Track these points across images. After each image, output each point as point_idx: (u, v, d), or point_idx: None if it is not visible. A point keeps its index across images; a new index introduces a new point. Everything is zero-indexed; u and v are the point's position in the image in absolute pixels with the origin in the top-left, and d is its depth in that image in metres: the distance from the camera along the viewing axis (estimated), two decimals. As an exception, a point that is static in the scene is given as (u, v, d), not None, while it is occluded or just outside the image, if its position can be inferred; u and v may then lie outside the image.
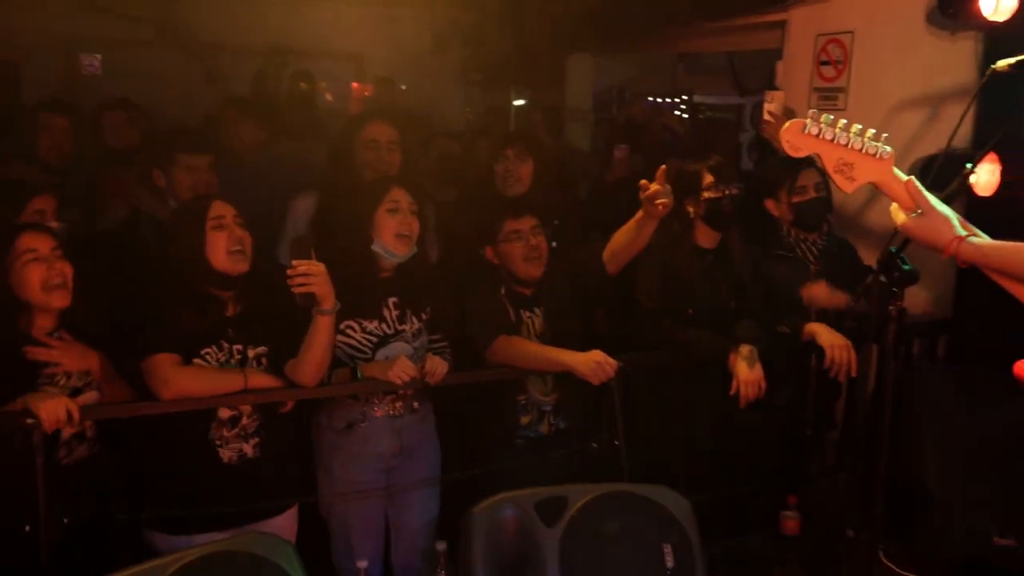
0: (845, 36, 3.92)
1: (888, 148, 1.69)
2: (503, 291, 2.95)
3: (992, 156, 2.98)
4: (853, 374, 3.03)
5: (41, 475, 2.16)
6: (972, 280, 3.34)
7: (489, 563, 2.11)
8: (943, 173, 3.15)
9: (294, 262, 2.29)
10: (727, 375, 2.90)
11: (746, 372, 2.84)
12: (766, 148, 4.10)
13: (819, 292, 3.10)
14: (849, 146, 1.66)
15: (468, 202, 3.81)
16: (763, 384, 2.86)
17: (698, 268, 3.06)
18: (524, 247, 2.87)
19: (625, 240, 2.87)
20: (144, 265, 2.69)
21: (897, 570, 2.87)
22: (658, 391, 3.06)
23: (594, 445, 2.81)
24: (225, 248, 2.37)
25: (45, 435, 2.15)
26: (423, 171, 4.26)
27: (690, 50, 6.15)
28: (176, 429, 2.39)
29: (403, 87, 6.97)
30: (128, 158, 3.80)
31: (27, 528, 2.17)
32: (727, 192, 2.99)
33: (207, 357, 2.40)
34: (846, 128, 1.67)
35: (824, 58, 4.05)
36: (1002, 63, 1.85)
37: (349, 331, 2.67)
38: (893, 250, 2.07)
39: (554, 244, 3.04)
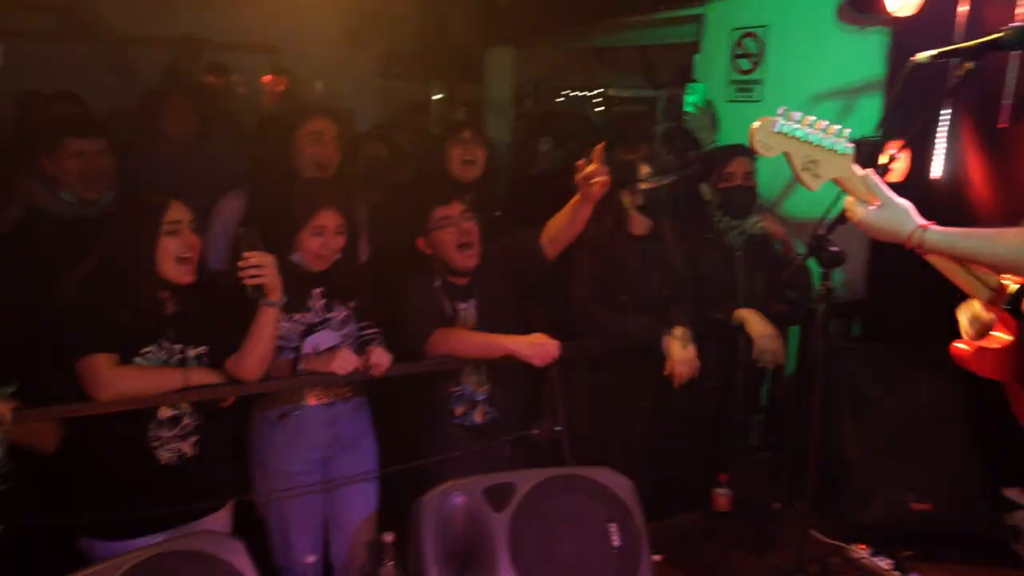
0: (760, 30, 4.06)
1: (850, 144, 1.74)
2: (438, 284, 2.95)
3: (899, 143, 3.16)
4: (780, 363, 3.16)
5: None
6: (884, 262, 3.57)
7: (440, 550, 2.13)
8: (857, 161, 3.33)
9: (245, 253, 2.25)
10: (661, 359, 2.99)
11: (680, 352, 2.93)
12: (686, 137, 4.21)
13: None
14: (815, 143, 1.71)
15: (408, 194, 3.77)
16: (696, 364, 2.96)
17: (631, 255, 3.14)
18: (456, 232, 2.86)
19: (562, 224, 2.90)
20: (45, 268, 2.44)
21: (822, 538, 3.01)
22: (594, 377, 3.13)
23: (535, 432, 2.84)
24: (175, 254, 2.31)
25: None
26: (352, 173, 4.20)
27: (609, 44, 6.25)
28: (110, 432, 2.31)
29: (319, 84, 6.87)
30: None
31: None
32: (664, 182, 3.07)
33: (147, 356, 2.34)
34: (813, 124, 1.71)
35: (740, 51, 4.19)
36: (923, 55, 1.95)
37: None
38: (821, 233, 2.18)
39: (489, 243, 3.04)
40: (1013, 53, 2.96)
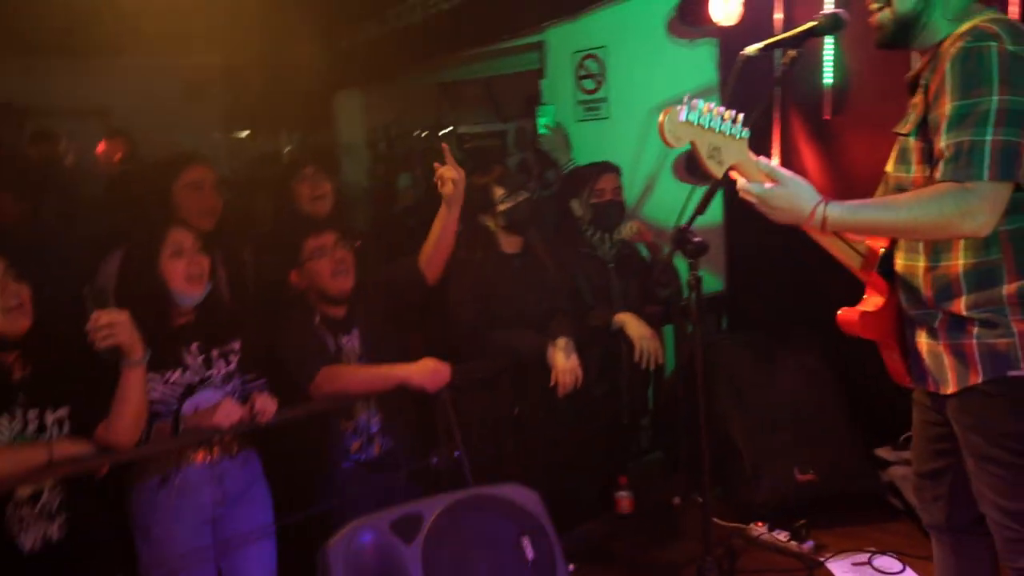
0: (599, 51, 4.25)
1: (746, 130, 1.77)
2: (317, 320, 2.87)
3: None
4: (660, 362, 3.28)
5: None
6: (739, 255, 3.78)
7: (354, 593, 2.05)
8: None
9: (93, 314, 2.09)
10: (546, 371, 3.02)
11: (563, 362, 2.97)
12: (544, 159, 4.34)
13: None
14: (717, 130, 1.74)
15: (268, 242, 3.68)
16: (580, 373, 3.01)
17: (505, 274, 3.18)
18: (330, 262, 2.80)
19: (434, 238, 2.93)
20: None
21: (722, 523, 3.13)
22: (482, 397, 3.12)
23: (435, 459, 2.79)
24: (0, 306, 2.12)
25: None
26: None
27: (455, 79, 6.35)
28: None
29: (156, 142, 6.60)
30: None
31: None
32: (519, 199, 3.14)
33: (-2, 431, 2.13)
34: (712, 111, 1.73)
35: (583, 72, 4.37)
36: (751, 48, 2.07)
37: (150, 384, 2.46)
38: (682, 227, 2.28)
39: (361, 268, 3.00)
40: (827, 49, 3.23)
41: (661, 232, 3.71)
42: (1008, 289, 1.76)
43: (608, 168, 3.51)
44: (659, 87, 3.99)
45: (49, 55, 6.00)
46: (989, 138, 1.62)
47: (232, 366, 2.62)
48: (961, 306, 1.80)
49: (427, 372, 2.72)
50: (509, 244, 3.20)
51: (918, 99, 1.83)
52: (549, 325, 3.08)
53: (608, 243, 3.50)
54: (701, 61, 3.78)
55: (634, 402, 3.59)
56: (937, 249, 1.83)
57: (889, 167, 1.97)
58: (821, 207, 1.75)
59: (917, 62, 1.92)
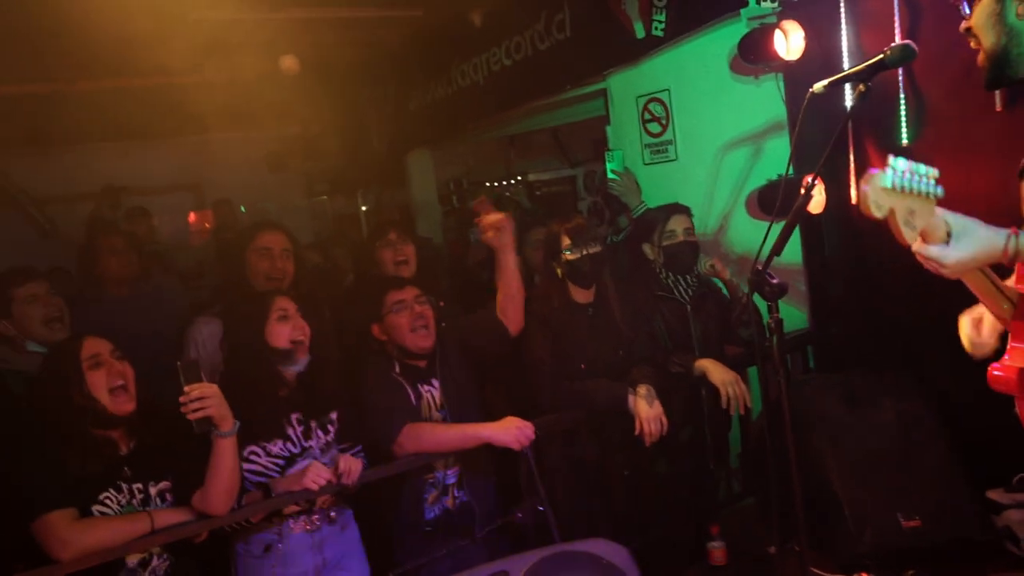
0: (663, 94, 4.26)
1: (940, 188, 1.58)
2: (397, 369, 2.91)
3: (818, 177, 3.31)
4: (748, 406, 3.18)
5: None
6: (825, 293, 3.67)
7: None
8: (781, 198, 3.47)
9: (186, 388, 2.19)
10: (630, 421, 2.98)
11: (646, 410, 2.93)
12: (615, 203, 4.34)
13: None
14: (917, 191, 1.55)
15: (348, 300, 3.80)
16: (664, 420, 2.96)
17: (579, 323, 3.17)
18: (410, 316, 2.86)
19: (501, 287, 2.98)
20: (15, 423, 2.46)
21: (822, 573, 2.98)
22: (567, 449, 3.09)
23: (519, 515, 2.78)
24: (107, 386, 2.26)
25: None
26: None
27: (521, 131, 6.44)
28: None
29: (242, 208, 6.91)
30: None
31: None
32: (584, 252, 3.13)
33: (107, 503, 2.24)
34: (912, 171, 1.55)
35: (648, 116, 4.37)
36: (818, 85, 2.04)
37: (253, 457, 2.55)
38: (759, 268, 2.24)
39: (443, 324, 3.04)
40: (902, 75, 3.15)
41: (743, 261, 3.64)
42: None
43: (677, 209, 3.49)
44: (726, 125, 3.96)
45: (142, 138, 6.39)
46: None
47: (331, 436, 2.69)
48: None
49: (511, 431, 2.73)
50: (579, 294, 3.20)
51: None
52: (630, 373, 3.05)
53: (684, 284, 3.45)
54: (767, 97, 3.73)
55: (718, 447, 3.49)
56: None
57: None
58: (1013, 239, 1.62)
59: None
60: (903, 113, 3.16)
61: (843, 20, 3.30)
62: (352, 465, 2.54)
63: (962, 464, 3.11)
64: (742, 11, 3.65)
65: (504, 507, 2.88)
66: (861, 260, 3.44)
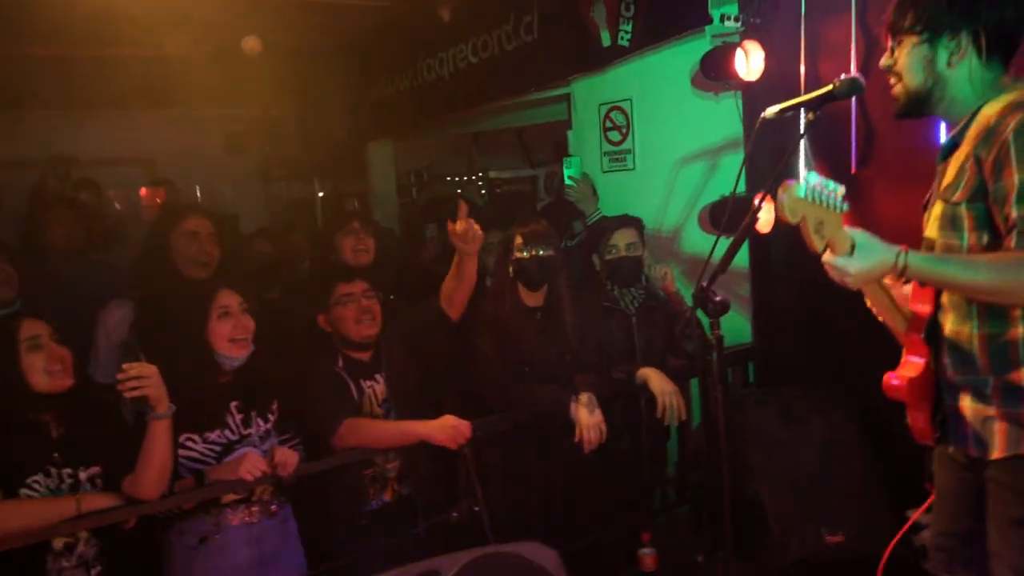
0: (625, 103, 4.30)
1: (847, 203, 1.75)
2: (340, 363, 2.91)
3: (767, 196, 3.38)
4: (684, 417, 3.24)
5: None
6: (769, 310, 3.75)
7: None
8: (728, 215, 3.53)
9: (124, 366, 2.16)
10: (570, 427, 3.01)
11: (587, 418, 2.97)
12: (570, 209, 4.37)
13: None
14: (826, 205, 1.72)
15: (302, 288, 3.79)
16: (604, 428, 3.00)
17: (527, 326, 3.19)
18: (356, 309, 2.87)
19: (454, 284, 3.00)
20: None
21: (749, 584, 3.05)
22: (506, 451, 3.12)
23: (454, 514, 2.79)
24: (44, 368, 2.21)
25: None
26: (243, 271, 4.15)
27: (485, 128, 6.45)
28: (6, 571, 2.14)
29: (197, 189, 6.81)
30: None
31: None
32: (534, 253, 3.16)
33: (35, 486, 2.19)
34: (823, 186, 1.71)
35: (609, 124, 4.41)
36: (770, 111, 2.09)
37: (189, 443, 2.51)
38: (703, 285, 2.28)
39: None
40: (855, 105, 3.24)
41: (693, 271, 3.69)
42: None
43: (624, 223, 3.52)
44: (684, 139, 4.02)
45: (96, 108, 6.25)
46: None
47: (270, 425, 2.67)
48: (1021, 375, 1.79)
49: (447, 429, 2.74)
50: (529, 297, 3.22)
51: (967, 166, 1.82)
52: (572, 380, 3.08)
53: (630, 296, 3.50)
54: (726, 114, 3.79)
55: (656, 455, 3.55)
56: (993, 315, 1.82)
57: (932, 232, 1.95)
58: (903, 256, 1.75)
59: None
60: (853, 140, 3.25)
61: (803, 46, 3.37)
62: (288, 457, 2.52)
63: (883, 482, 3.21)
64: (707, 28, 3.71)
65: (448, 502, 2.89)
66: (805, 279, 3.52)
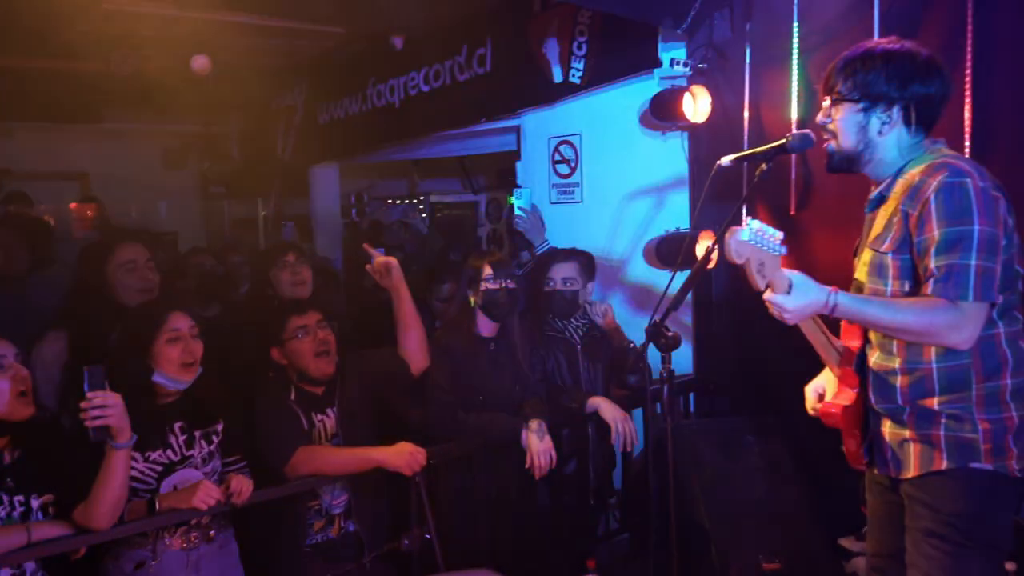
0: (574, 137, 4.42)
1: (784, 247, 1.91)
2: (292, 396, 2.90)
3: (710, 234, 3.52)
4: (636, 443, 3.34)
5: None
6: (709, 343, 3.89)
7: None
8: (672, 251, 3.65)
9: (89, 394, 2.12)
10: (520, 454, 3.07)
11: (537, 444, 3.03)
12: (516, 238, 4.45)
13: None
14: (766, 248, 1.88)
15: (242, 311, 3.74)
16: (554, 454, 3.06)
17: (481, 356, 3.24)
18: (312, 341, 2.87)
19: (399, 325, 3.09)
20: None
21: (689, 611, 3.13)
22: (457, 479, 3.15)
23: (405, 542, 2.81)
24: (10, 391, 2.16)
25: None
26: (182, 290, 4.08)
27: (431, 156, 6.51)
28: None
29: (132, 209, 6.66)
30: None
31: None
32: (503, 285, 3.22)
33: (-17, 514, 2.12)
34: (764, 232, 1.86)
35: (558, 157, 4.52)
36: (726, 159, 2.25)
37: (131, 462, 2.47)
38: (656, 320, 2.39)
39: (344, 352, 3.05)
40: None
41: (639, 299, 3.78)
42: (976, 391, 1.97)
43: (564, 256, 3.61)
44: (631, 175, 4.15)
45: (28, 121, 6.06)
46: (973, 263, 1.87)
47: (213, 447, 2.64)
48: (934, 402, 2.00)
49: (404, 455, 2.76)
50: (485, 327, 3.27)
51: (895, 220, 2.01)
52: (523, 408, 3.14)
53: (573, 326, 3.58)
54: (672, 152, 3.94)
55: (601, 483, 3.63)
56: (912, 351, 2.03)
57: (861, 276, 2.14)
58: (833, 296, 1.95)
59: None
60: (792, 185, 3.42)
61: (747, 93, 3.54)
62: (244, 486, 2.50)
63: (818, 510, 3.35)
64: (655, 70, 3.87)
65: (394, 534, 2.90)
66: (743, 312, 3.67)
